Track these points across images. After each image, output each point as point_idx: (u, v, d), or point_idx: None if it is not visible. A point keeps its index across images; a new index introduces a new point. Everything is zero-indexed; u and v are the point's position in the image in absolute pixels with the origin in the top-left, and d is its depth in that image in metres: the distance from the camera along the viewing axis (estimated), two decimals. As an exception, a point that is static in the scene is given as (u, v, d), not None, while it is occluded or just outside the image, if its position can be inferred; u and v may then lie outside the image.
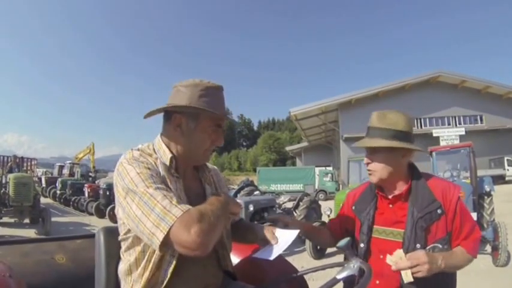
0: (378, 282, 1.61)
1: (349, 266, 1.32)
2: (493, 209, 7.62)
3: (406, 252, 1.58)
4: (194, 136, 1.43)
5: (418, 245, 1.59)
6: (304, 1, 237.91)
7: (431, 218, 1.62)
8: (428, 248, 1.59)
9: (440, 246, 1.61)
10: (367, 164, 1.78)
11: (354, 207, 1.89)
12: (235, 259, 1.80)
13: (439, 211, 1.63)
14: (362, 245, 1.75)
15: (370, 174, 1.77)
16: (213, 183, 1.65)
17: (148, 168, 1.30)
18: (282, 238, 1.48)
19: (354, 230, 1.85)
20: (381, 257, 1.63)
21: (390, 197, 1.76)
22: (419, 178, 1.75)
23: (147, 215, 1.16)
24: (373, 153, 1.74)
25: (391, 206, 1.76)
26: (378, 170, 1.73)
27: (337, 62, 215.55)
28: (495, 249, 6.74)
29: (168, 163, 1.39)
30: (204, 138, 1.44)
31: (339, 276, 1.30)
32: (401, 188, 1.75)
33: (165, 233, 1.12)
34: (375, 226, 1.76)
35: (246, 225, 1.75)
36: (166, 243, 1.14)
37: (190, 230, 1.10)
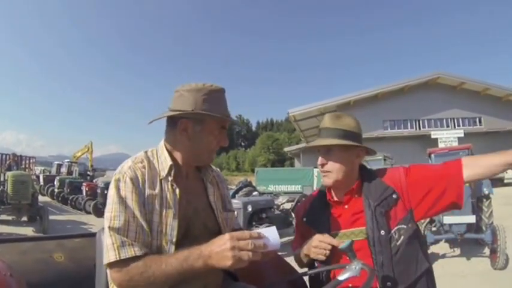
0: (350, 286, 1.54)
1: (350, 267, 1.32)
2: (491, 211, 7.64)
3: (373, 244, 1.58)
4: (200, 139, 1.46)
5: (382, 232, 1.58)
6: (304, 2, 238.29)
7: (389, 203, 1.63)
8: (393, 231, 1.59)
9: (405, 226, 1.60)
10: (322, 165, 1.74)
11: (305, 219, 1.83)
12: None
13: (394, 196, 1.64)
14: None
15: (324, 176, 1.74)
16: (216, 183, 1.67)
17: (129, 192, 1.33)
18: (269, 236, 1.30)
19: None
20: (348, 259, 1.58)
21: (343, 195, 1.74)
22: (369, 173, 1.76)
23: (106, 238, 1.30)
24: (328, 153, 1.72)
25: (346, 206, 1.73)
26: (334, 171, 1.70)
27: (336, 63, 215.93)
28: (493, 252, 6.76)
29: (166, 171, 1.42)
30: (210, 140, 1.48)
31: (341, 278, 1.30)
32: (352, 185, 1.73)
33: (105, 264, 1.29)
34: (335, 232, 1.70)
35: None
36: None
37: (113, 276, 1.28)
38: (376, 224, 1.60)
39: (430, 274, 1.66)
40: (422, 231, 6.98)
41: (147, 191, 1.37)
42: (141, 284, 1.24)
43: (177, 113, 1.43)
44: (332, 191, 1.79)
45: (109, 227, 1.29)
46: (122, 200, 1.31)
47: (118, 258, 1.24)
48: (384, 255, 1.57)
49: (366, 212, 1.64)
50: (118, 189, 1.34)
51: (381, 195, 1.65)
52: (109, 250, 1.26)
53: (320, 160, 1.75)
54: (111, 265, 1.27)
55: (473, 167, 1.60)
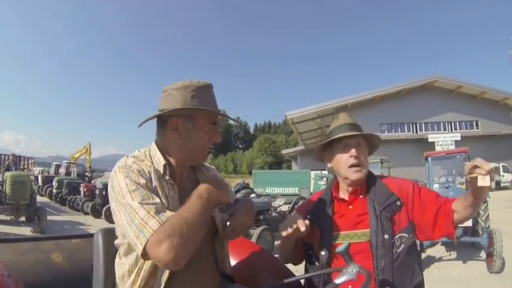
0: (350, 287, 1.54)
1: (347, 270, 1.32)
2: (488, 215, 7.64)
3: (376, 247, 1.59)
4: (192, 136, 1.44)
5: (386, 236, 1.59)
6: (302, 5, 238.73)
7: (393, 209, 1.65)
8: (396, 238, 1.60)
9: (406, 235, 1.62)
10: (355, 157, 1.71)
11: (309, 217, 1.74)
12: (232, 261, 1.79)
13: (398, 203, 1.66)
14: (323, 252, 1.68)
15: (357, 170, 1.71)
16: None
17: (139, 178, 1.31)
18: None
19: (313, 240, 1.76)
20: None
21: (348, 194, 1.76)
22: (374, 177, 1.78)
23: (130, 225, 1.22)
24: (358, 146, 1.74)
25: (350, 207, 1.75)
26: (365, 164, 1.74)
27: (334, 65, 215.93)
28: (490, 255, 6.74)
29: (161, 170, 1.40)
30: (202, 136, 1.45)
31: (338, 281, 1.30)
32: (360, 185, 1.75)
33: (143, 245, 1.17)
34: (338, 232, 1.70)
35: None
36: (145, 254, 1.19)
37: (161, 246, 1.14)
38: (381, 228, 1.61)
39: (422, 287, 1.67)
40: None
41: (154, 183, 1.35)
42: (190, 235, 1.19)
43: (167, 111, 1.41)
44: (339, 189, 1.81)
45: (133, 202, 1.23)
46: (133, 182, 1.29)
47: (161, 222, 1.18)
48: (385, 259, 1.57)
49: (371, 215, 1.65)
50: (126, 174, 1.31)
51: (386, 200, 1.66)
52: (148, 221, 1.18)
53: (354, 151, 1.71)
54: (153, 240, 1.16)
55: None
